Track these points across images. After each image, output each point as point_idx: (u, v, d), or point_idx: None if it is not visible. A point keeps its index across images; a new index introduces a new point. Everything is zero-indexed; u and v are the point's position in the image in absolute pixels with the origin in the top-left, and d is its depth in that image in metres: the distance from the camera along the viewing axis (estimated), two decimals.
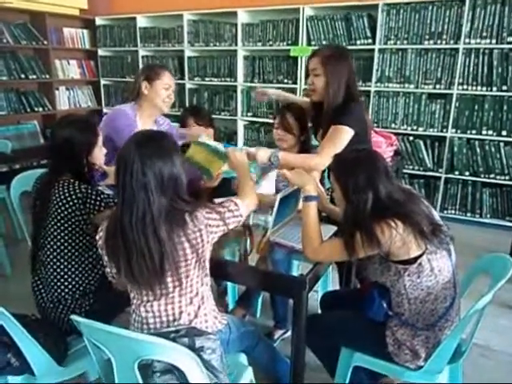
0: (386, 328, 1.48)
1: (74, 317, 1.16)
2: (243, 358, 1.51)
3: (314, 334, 1.55)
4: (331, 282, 2.43)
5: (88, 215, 1.57)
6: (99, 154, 1.74)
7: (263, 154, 1.78)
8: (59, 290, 1.58)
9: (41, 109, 4.62)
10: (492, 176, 3.60)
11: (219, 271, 1.44)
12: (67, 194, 1.54)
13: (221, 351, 1.31)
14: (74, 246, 1.59)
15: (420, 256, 1.35)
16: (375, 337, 1.49)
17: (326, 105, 1.92)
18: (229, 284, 2.29)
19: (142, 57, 4.93)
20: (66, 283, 1.59)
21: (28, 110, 4.50)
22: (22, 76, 4.39)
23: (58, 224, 1.56)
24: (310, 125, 2.22)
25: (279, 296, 2.11)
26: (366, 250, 1.37)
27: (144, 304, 1.32)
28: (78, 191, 1.55)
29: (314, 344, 1.64)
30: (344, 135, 1.84)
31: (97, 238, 1.35)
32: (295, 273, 1.96)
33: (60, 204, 1.54)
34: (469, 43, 3.45)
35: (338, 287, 2.31)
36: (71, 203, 1.54)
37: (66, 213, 1.55)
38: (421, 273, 1.36)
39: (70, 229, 1.57)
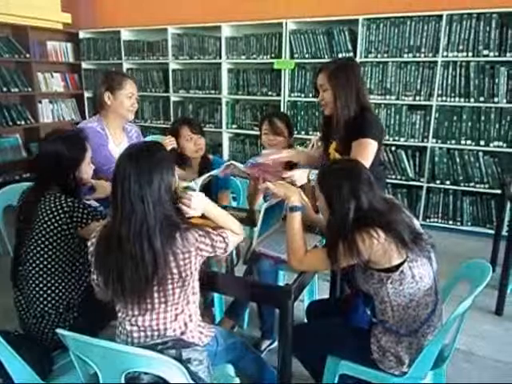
0: (370, 335, 1.50)
1: (59, 330, 1.15)
2: (230, 369, 1.51)
3: (300, 343, 1.56)
4: (317, 291, 2.45)
5: (75, 229, 1.56)
6: (87, 169, 1.74)
7: (302, 174, 1.84)
8: (42, 305, 1.57)
9: (23, 122, 4.56)
10: (472, 185, 3.69)
11: (206, 282, 1.45)
12: (54, 209, 1.54)
13: (208, 362, 1.31)
14: (57, 261, 1.58)
15: (401, 264, 1.38)
16: (360, 344, 1.50)
17: (336, 117, 1.94)
18: (215, 295, 2.29)
19: (127, 69, 4.93)
20: (50, 298, 1.57)
21: (10, 123, 4.44)
22: (4, 89, 4.34)
23: (43, 239, 1.55)
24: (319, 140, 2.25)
25: (266, 307, 2.12)
26: (347, 258, 1.39)
27: (129, 318, 1.32)
28: (64, 205, 1.55)
29: (301, 353, 1.65)
30: (370, 146, 1.87)
31: (88, 244, 1.35)
32: (281, 282, 1.98)
33: (46, 218, 1.54)
34: (446, 56, 3.55)
35: (323, 296, 2.32)
36: (58, 217, 1.54)
37: (52, 227, 1.54)
38: (403, 280, 1.39)
39: (54, 244, 1.56)
